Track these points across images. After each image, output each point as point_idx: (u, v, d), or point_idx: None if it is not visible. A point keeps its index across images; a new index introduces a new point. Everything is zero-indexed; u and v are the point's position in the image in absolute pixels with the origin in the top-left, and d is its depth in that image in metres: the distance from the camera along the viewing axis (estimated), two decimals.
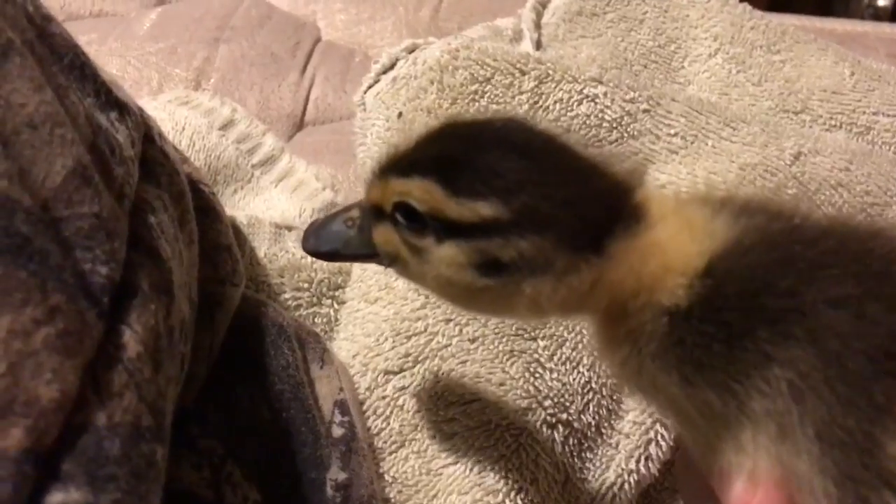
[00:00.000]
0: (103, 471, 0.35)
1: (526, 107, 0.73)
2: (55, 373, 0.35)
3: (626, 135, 0.74)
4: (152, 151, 0.52)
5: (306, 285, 0.66)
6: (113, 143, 0.46)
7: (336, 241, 0.47)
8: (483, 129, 0.43)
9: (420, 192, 0.40)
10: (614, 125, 0.73)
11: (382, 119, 0.71)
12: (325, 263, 0.67)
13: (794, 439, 0.35)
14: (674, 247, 0.39)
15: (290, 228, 0.70)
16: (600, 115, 0.73)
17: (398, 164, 0.43)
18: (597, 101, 0.73)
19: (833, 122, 0.80)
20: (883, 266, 0.36)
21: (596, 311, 0.41)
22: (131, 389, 0.39)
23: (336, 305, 0.67)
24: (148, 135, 0.52)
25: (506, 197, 0.39)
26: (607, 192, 0.40)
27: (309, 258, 0.66)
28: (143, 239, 0.46)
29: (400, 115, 0.71)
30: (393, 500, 0.54)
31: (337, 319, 0.66)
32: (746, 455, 0.37)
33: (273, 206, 0.76)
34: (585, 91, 0.73)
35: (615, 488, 0.59)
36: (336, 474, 0.51)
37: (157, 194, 0.50)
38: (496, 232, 0.39)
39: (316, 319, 0.66)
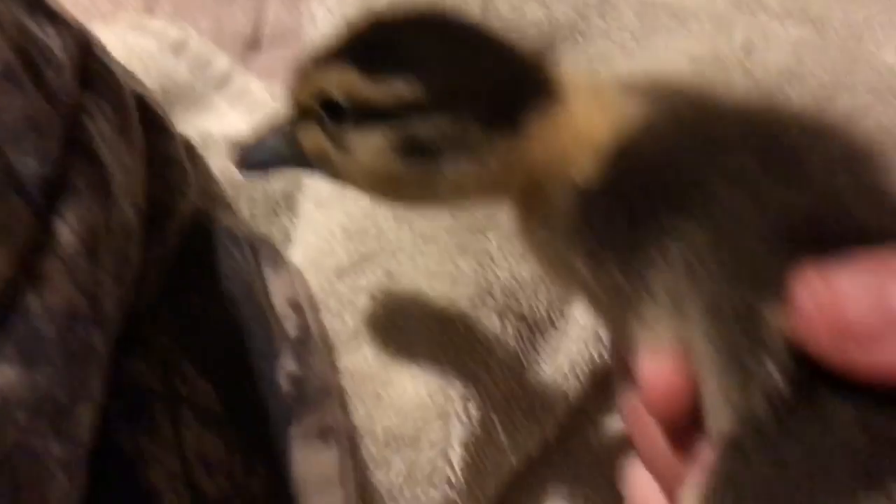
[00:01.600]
0: (37, 351, 0.37)
1: (477, 10, 0.73)
2: None
3: (578, 36, 0.74)
4: (93, 64, 0.53)
5: (261, 197, 0.67)
6: (43, 47, 0.47)
7: (266, 153, 0.46)
8: (399, 15, 0.43)
9: (337, 79, 0.40)
10: (566, 27, 0.73)
11: (331, 30, 0.71)
12: (279, 176, 0.67)
13: (687, 312, 0.36)
14: (585, 122, 0.39)
15: None
16: (552, 16, 0.73)
17: (316, 59, 0.43)
18: (547, 3, 0.73)
19: (785, 13, 0.80)
20: (787, 145, 0.37)
21: (515, 192, 0.42)
22: (65, 277, 0.40)
23: (292, 217, 0.68)
24: (87, 46, 0.53)
25: (422, 75, 0.39)
26: (522, 70, 0.40)
27: None
28: (82, 143, 0.47)
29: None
30: (347, 391, 0.56)
31: (294, 230, 0.67)
32: (648, 329, 0.38)
33: (228, 125, 0.76)
34: None
35: (569, 374, 0.60)
36: (289, 367, 0.53)
37: (96, 102, 0.51)
38: (415, 112, 0.39)
39: (273, 230, 0.67)
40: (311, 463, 0.51)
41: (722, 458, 0.35)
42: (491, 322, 0.59)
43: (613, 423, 0.63)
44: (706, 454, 0.37)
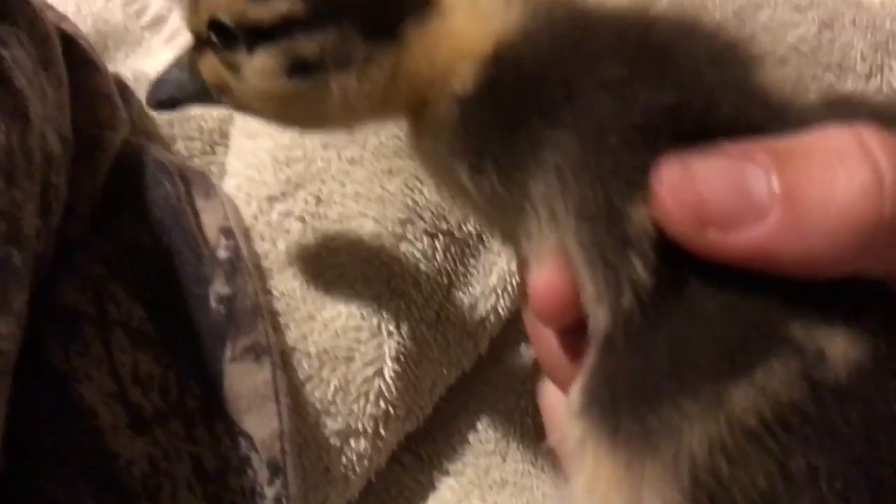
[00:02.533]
0: None
1: None
2: None
3: None
4: None
5: (197, 134, 0.68)
6: None
7: (171, 87, 0.45)
8: None
9: (225, 2, 0.40)
10: None
11: None
12: (213, 111, 0.68)
13: (561, 219, 0.37)
14: (464, 31, 0.40)
15: None
16: None
17: None
18: None
19: None
20: (658, 45, 0.37)
21: (402, 107, 0.42)
22: None
23: (228, 152, 0.68)
24: None
25: None
26: None
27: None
28: None
29: None
30: (281, 312, 0.57)
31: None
32: (532, 239, 0.39)
33: (163, 63, 0.76)
34: None
35: (499, 290, 0.62)
36: (220, 288, 0.54)
37: (12, 31, 0.51)
38: (299, 30, 0.39)
39: (212, 168, 0.68)
40: (245, 381, 0.53)
41: (597, 354, 0.37)
42: (421, 242, 0.60)
43: None
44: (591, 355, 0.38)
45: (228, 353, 0.53)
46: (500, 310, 0.62)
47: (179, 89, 0.45)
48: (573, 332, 0.40)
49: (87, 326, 0.50)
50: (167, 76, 0.46)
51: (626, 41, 0.38)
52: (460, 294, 0.62)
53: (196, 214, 0.57)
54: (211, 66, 0.43)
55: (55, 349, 0.48)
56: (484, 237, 0.62)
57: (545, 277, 0.38)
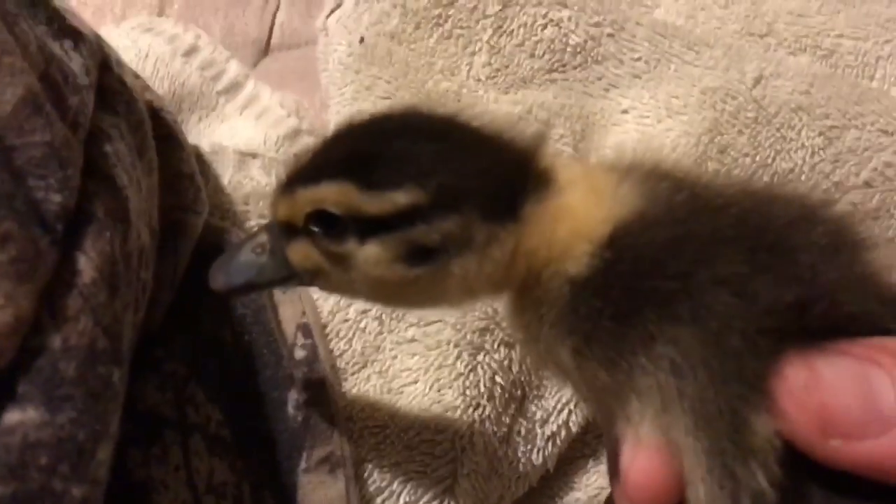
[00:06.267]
0: (59, 391, 0.37)
1: (490, 31, 0.73)
2: (9, 298, 0.36)
3: (589, 59, 0.74)
4: (109, 80, 0.52)
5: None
6: (67, 71, 0.46)
7: (248, 271, 0.44)
8: (383, 121, 0.42)
9: (334, 195, 0.39)
10: (578, 50, 0.73)
11: (345, 45, 0.71)
12: None
13: (674, 412, 0.36)
14: (581, 212, 0.39)
15: (254, 156, 0.71)
16: (564, 39, 0.73)
17: (303, 174, 0.42)
18: (561, 25, 0.73)
19: (798, 46, 0.80)
20: (777, 236, 0.36)
21: (515, 285, 0.41)
22: (86, 314, 0.40)
23: None
24: (105, 63, 0.52)
25: (420, 181, 0.38)
26: (515, 160, 0.40)
27: (273, 184, 0.66)
28: (99, 167, 0.46)
29: (362, 40, 0.71)
30: (355, 419, 0.56)
31: None
32: (633, 426, 0.37)
33: (237, 134, 0.75)
34: (550, 15, 0.73)
35: (571, 404, 0.61)
36: (298, 394, 0.53)
37: (113, 122, 0.50)
38: (417, 218, 0.38)
39: None
40: (318, 493, 0.51)
41: None
42: (496, 350, 0.59)
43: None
44: None
45: (303, 464, 0.52)
46: (571, 424, 0.61)
47: (260, 274, 0.44)
48: None
49: (167, 432, 0.49)
50: (240, 260, 0.45)
51: (744, 230, 0.37)
52: (533, 407, 0.60)
53: (275, 309, 0.56)
54: (305, 253, 0.42)
55: (136, 457, 0.47)
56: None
57: (646, 465, 0.37)
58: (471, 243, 0.39)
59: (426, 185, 0.38)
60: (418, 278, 0.40)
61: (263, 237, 0.44)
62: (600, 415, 0.42)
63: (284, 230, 0.43)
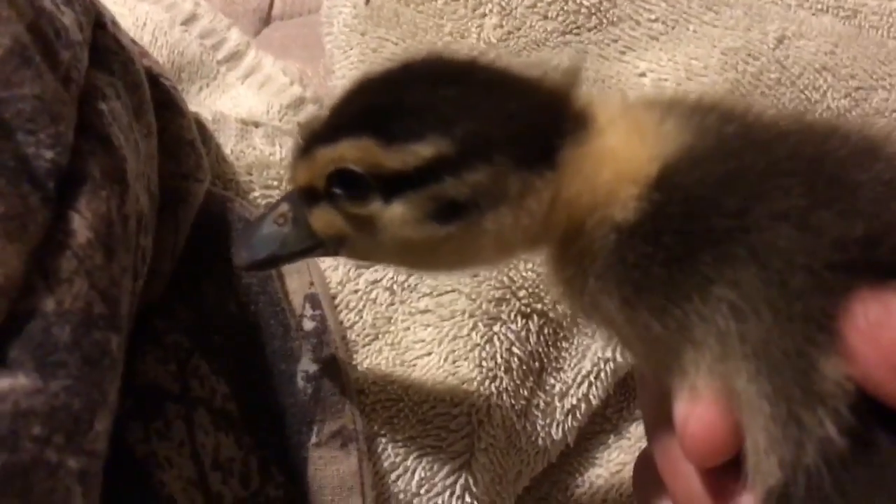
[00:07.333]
0: (52, 357, 0.34)
1: None
2: None
3: (605, 21, 0.71)
4: (104, 39, 0.50)
5: (276, 183, 0.64)
6: (58, 25, 0.44)
7: (271, 244, 0.42)
8: (400, 70, 0.39)
9: (353, 151, 0.36)
10: (593, 11, 0.71)
11: (350, 6, 0.68)
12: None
13: (734, 358, 0.33)
14: (625, 153, 0.36)
15: (257, 125, 0.68)
16: (578, 0, 0.70)
17: (321, 135, 0.39)
18: None
19: (819, 6, 0.77)
20: (836, 169, 0.34)
21: (556, 237, 0.39)
22: (81, 276, 0.37)
23: None
24: (99, 21, 0.50)
25: (444, 130, 0.35)
26: (547, 101, 0.37)
27: (277, 154, 0.64)
28: (94, 126, 0.44)
29: (367, 1, 0.68)
30: (367, 392, 0.54)
31: None
32: (689, 375, 0.35)
33: (240, 104, 0.73)
34: None
35: (591, 377, 0.58)
36: (307, 366, 0.51)
37: (109, 81, 0.48)
38: (444, 171, 0.35)
39: None
40: (329, 469, 0.49)
41: None
42: (513, 321, 0.57)
43: (634, 430, 0.61)
44: (746, 501, 0.35)
45: (314, 439, 0.49)
46: (591, 398, 0.58)
47: (283, 246, 0.42)
48: (719, 472, 0.37)
49: (170, 406, 0.47)
50: (262, 233, 0.42)
51: (800, 163, 0.34)
52: (552, 380, 0.58)
53: (281, 279, 0.54)
54: (328, 218, 0.39)
55: (137, 432, 0.45)
56: (578, 319, 0.59)
57: (704, 416, 0.35)
58: (504, 195, 0.36)
59: (451, 133, 0.35)
60: (449, 237, 0.37)
61: (285, 207, 0.42)
62: (650, 369, 0.40)
63: (306, 197, 0.40)
